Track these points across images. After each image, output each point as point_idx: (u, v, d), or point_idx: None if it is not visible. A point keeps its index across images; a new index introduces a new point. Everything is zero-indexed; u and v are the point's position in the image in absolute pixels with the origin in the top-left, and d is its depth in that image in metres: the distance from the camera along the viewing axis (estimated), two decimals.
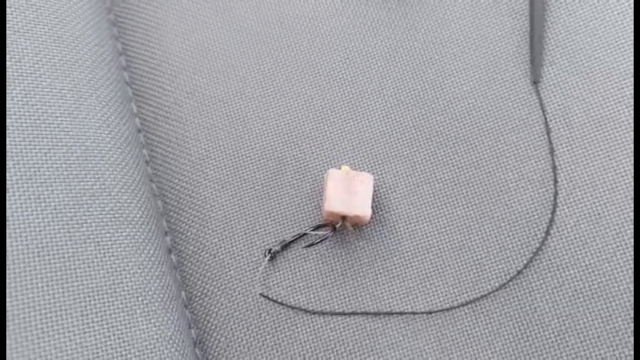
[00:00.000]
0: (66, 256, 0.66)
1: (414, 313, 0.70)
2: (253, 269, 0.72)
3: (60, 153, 0.70)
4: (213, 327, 0.73)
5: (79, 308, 0.65)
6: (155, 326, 0.69)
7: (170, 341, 0.69)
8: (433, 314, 0.70)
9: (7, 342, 0.60)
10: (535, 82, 0.76)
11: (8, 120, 0.68)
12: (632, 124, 0.73)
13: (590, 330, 0.68)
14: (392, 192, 0.74)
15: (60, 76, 0.72)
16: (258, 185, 0.75)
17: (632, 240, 0.70)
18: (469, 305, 0.70)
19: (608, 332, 0.68)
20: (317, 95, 0.77)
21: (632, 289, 0.69)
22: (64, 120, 0.71)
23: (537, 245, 0.71)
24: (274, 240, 0.73)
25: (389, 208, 0.73)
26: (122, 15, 0.85)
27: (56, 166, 0.69)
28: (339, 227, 0.71)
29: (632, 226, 0.71)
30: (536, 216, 0.71)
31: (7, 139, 0.67)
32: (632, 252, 0.70)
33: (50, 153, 0.70)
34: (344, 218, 0.71)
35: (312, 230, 0.72)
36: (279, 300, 0.72)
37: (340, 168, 0.74)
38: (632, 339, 0.67)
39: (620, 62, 0.75)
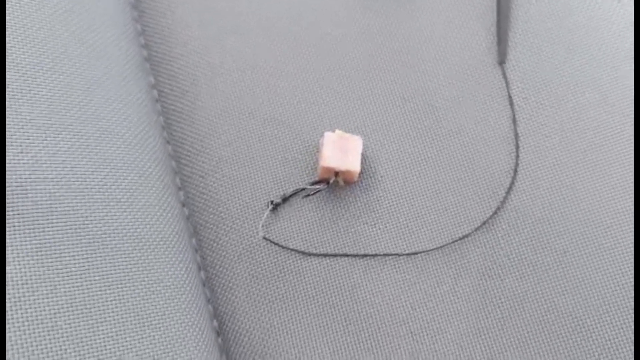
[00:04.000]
0: (92, 208, 0.78)
1: (396, 254, 0.82)
2: (257, 217, 0.84)
3: (88, 114, 0.82)
4: (220, 269, 0.85)
5: (104, 251, 0.76)
6: (168, 268, 0.80)
7: (182, 281, 0.80)
8: (412, 256, 0.82)
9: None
10: (501, 63, 0.89)
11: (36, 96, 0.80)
12: (591, 103, 0.87)
13: (546, 280, 0.80)
14: (378, 153, 0.86)
15: (82, 46, 0.84)
16: (262, 145, 0.87)
17: (586, 196, 0.83)
18: (440, 250, 0.82)
19: (561, 280, 0.81)
20: (317, 70, 0.90)
21: (583, 243, 0.81)
22: (89, 89, 0.83)
23: (501, 199, 0.84)
24: (275, 192, 0.85)
25: (375, 166, 0.86)
26: None
27: (86, 122, 0.81)
28: (332, 182, 0.83)
29: (585, 183, 0.84)
30: (501, 177, 0.84)
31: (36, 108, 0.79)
32: (587, 206, 0.83)
33: (80, 112, 0.81)
34: (336, 174, 0.83)
35: (310, 185, 0.84)
36: (279, 243, 0.84)
37: (334, 131, 0.86)
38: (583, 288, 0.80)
39: (582, 44, 0.89)
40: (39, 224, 0.72)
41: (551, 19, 0.91)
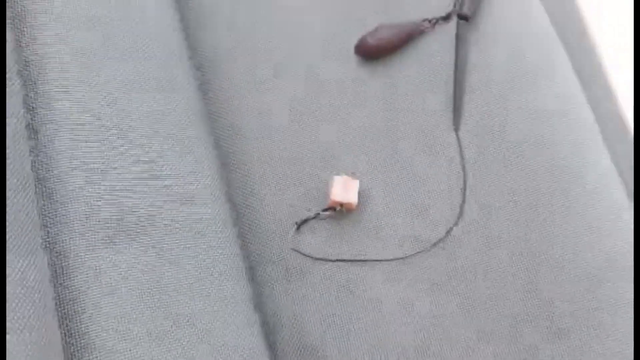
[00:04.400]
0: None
1: (379, 260, 1.24)
2: (286, 231, 1.26)
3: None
4: (257, 269, 1.26)
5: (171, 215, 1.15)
6: (217, 244, 1.20)
7: (230, 258, 1.21)
8: (393, 261, 1.25)
9: None
10: (456, 129, 1.31)
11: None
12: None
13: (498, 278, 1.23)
14: (368, 192, 1.28)
15: None
16: (295, 181, 1.28)
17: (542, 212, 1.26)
18: (412, 257, 1.24)
19: (512, 277, 1.24)
20: (331, 133, 1.31)
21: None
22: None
23: (450, 229, 1.26)
24: (300, 213, 1.27)
25: (366, 201, 1.28)
26: None
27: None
28: (338, 210, 1.25)
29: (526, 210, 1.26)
30: (451, 210, 1.26)
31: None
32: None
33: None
34: (341, 205, 1.25)
35: (322, 211, 1.26)
36: (299, 250, 1.25)
37: (340, 174, 1.27)
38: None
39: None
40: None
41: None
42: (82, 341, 0.99)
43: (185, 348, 1.05)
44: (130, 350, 1.00)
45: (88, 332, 1.00)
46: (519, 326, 1.17)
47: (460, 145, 1.27)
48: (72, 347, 0.98)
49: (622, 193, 1.26)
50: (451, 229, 1.24)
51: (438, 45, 1.34)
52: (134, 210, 1.09)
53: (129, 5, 1.24)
